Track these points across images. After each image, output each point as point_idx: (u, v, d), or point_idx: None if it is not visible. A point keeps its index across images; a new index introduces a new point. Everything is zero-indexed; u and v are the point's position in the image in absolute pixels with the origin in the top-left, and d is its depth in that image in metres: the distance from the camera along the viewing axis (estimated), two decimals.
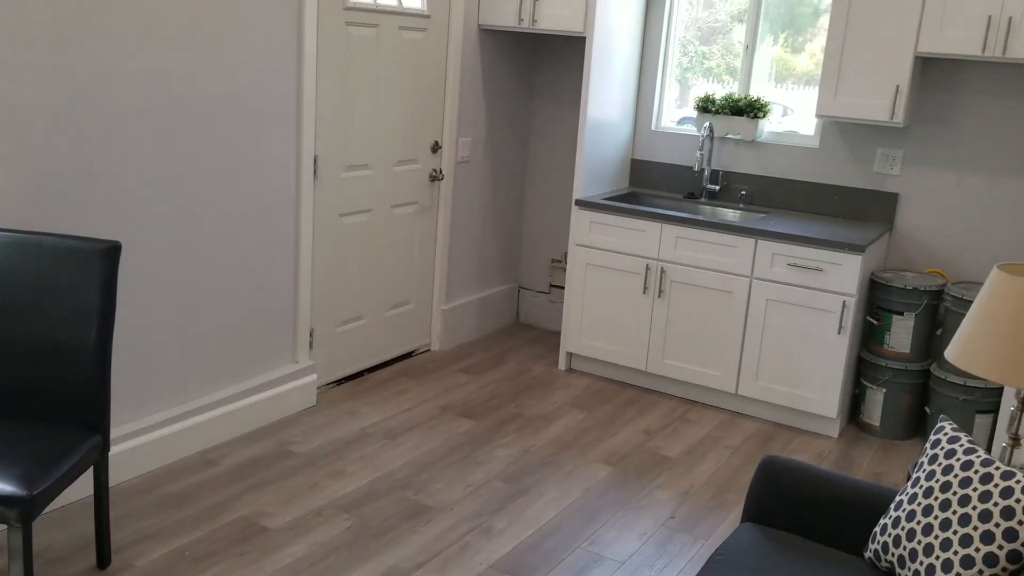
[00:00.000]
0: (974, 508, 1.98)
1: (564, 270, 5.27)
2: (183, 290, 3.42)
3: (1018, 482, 1.96)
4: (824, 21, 4.49)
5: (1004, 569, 1.91)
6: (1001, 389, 3.83)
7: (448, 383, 4.47)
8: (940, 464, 2.12)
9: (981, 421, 3.95)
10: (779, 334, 4.14)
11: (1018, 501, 1.93)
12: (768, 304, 4.14)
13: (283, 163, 3.74)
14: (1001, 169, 4.15)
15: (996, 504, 1.95)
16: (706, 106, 4.69)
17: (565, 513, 3.33)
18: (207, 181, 3.43)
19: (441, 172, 4.67)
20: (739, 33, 4.71)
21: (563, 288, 5.27)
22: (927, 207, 4.32)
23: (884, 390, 4.14)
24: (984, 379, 2.81)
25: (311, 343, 4.09)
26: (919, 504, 2.10)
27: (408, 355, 4.78)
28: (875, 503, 2.31)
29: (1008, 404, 3.64)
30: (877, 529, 2.21)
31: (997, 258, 4.21)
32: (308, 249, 3.93)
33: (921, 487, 2.13)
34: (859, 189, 4.43)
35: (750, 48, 4.65)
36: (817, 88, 4.17)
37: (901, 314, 4.06)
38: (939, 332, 4.09)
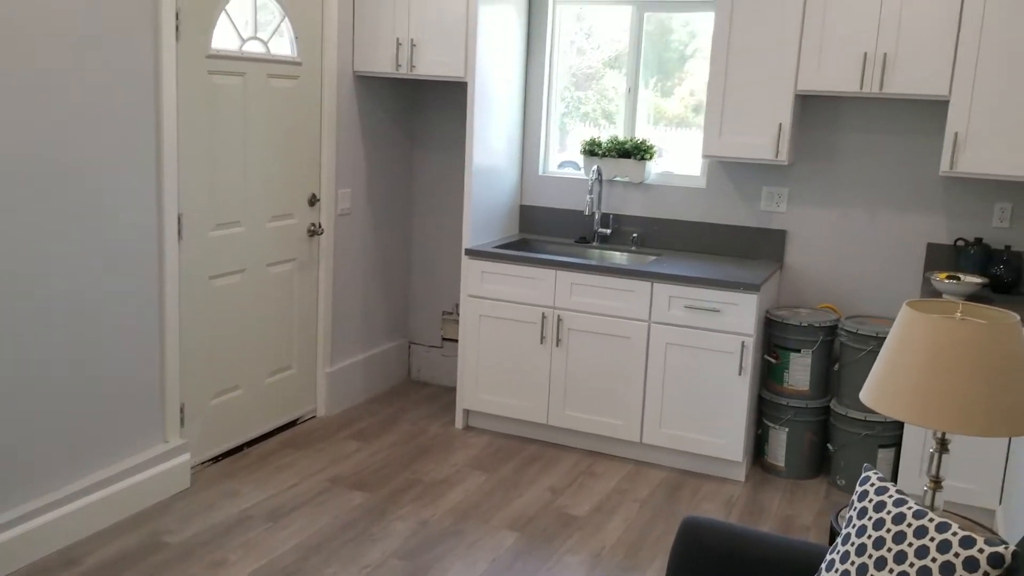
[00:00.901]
0: (911, 565, 1.86)
1: (457, 322, 5.06)
2: (28, 370, 3.03)
3: (955, 534, 1.84)
4: (690, 66, 4.51)
5: None
6: (902, 423, 3.81)
7: (336, 452, 4.16)
8: (870, 518, 1.99)
9: (884, 455, 3.93)
10: (680, 378, 4.04)
11: (956, 555, 1.81)
12: (668, 348, 4.03)
13: (143, 224, 3.41)
14: (882, 201, 4.20)
15: (934, 560, 1.83)
16: (593, 149, 4.60)
17: None
18: (54, 248, 3.07)
19: (320, 226, 4.41)
20: (612, 78, 4.67)
21: (456, 341, 5.05)
22: (814, 242, 4.33)
23: (787, 429, 4.08)
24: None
25: (182, 419, 3.72)
26: (852, 564, 1.96)
27: (292, 424, 4.44)
28: (805, 562, 2.17)
29: (912, 438, 3.63)
30: None
31: (885, 290, 4.24)
32: (175, 316, 3.59)
33: (853, 544, 1.99)
34: (748, 227, 4.41)
35: (632, 91, 4.60)
36: (689, 130, 4.15)
37: (798, 351, 4.02)
38: (836, 367, 4.07)
